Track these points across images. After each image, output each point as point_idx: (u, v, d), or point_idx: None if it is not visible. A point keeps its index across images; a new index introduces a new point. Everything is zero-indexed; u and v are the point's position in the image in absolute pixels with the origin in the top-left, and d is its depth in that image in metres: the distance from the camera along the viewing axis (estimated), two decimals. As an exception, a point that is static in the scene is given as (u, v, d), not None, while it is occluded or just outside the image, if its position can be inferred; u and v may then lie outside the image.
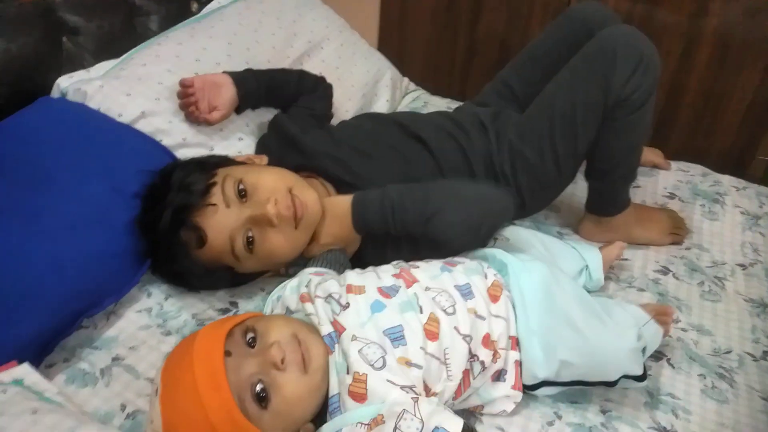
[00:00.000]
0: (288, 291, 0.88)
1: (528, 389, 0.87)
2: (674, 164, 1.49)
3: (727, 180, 1.43)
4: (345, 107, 1.45)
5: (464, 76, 2.23)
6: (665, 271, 1.19)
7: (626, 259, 1.21)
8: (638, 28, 1.08)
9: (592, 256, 1.09)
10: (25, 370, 0.74)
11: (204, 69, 1.23)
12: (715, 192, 1.39)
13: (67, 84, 1.14)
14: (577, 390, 0.89)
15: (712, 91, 1.87)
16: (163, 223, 0.90)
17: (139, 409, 0.82)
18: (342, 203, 1.01)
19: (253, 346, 0.73)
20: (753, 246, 1.26)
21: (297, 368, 0.72)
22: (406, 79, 1.75)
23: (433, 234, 0.95)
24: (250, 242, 0.92)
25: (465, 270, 0.90)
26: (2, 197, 0.89)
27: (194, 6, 1.47)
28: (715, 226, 1.31)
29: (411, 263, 0.92)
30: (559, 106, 1.10)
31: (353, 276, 0.86)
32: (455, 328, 0.81)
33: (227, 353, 0.70)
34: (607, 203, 1.22)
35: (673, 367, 0.98)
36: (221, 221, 0.91)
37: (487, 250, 0.97)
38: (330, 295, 0.82)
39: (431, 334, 0.80)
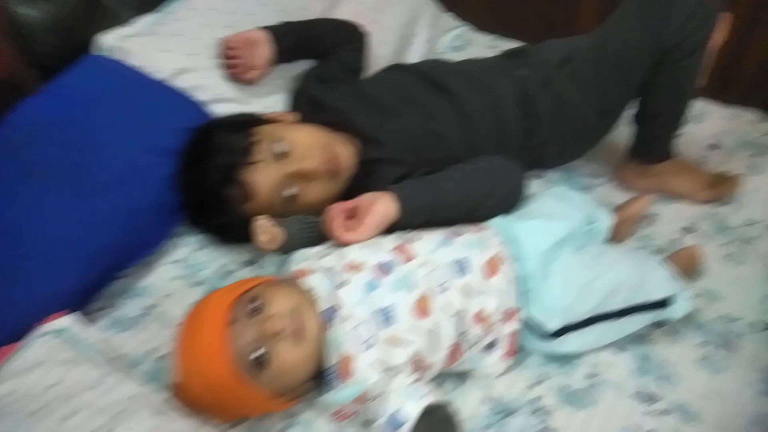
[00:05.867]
0: (298, 256, 0.94)
1: (554, 336, 0.90)
2: (729, 110, 1.41)
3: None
4: (381, 51, 1.43)
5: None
6: (690, 229, 1.16)
7: (655, 214, 1.19)
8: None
9: (603, 218, 1.07)
10: (69, 320, 0.85)
11: (238, 20, 1.25)
12: (763, 144, 1.31)
13: (105, 41, 1.16)
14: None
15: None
16: (211, 181, 0.96)
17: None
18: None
19: (257, 313, 0.80)
20: (795, 204, 1.19)
21: (292, 339, 0.79)
22: (447, 15, 1.69)
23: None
24: (291, 196, 0.99)
25: (466, 243, 0.92)
26: (49, 161, 0.97)
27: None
28: (756, 180, 1.24)
29: (415, 233, 0.94)
30: (611, 48, 1.08)
31: (354, 250, 0.90)
32: (446, 305, 0.86)
33: (234, 320, 0.79)
34: (652, 150, 1.19)
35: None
36: (266, 176, 0.97)
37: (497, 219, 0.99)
38: (330, 269, 0.88)
39: (422, 310, 0.85)
